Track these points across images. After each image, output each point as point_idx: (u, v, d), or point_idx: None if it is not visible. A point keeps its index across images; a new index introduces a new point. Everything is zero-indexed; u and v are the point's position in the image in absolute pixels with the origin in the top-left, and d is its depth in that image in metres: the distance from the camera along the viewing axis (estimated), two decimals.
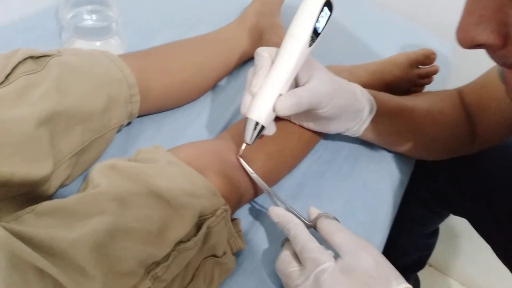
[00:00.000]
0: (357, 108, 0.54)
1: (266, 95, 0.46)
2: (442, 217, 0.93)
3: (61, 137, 0.46)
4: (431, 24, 0.97)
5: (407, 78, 0.70)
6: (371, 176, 0.61)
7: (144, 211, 0.38)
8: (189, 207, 0.39)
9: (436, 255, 1.04)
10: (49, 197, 0.46)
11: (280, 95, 0.47)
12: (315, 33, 0.48)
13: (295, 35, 0.47)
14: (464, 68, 0.87)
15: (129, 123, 0.58)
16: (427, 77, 0.72)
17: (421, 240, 0.97)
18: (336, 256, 0.43)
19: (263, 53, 0.48)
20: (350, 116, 0.54)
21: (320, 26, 0.48)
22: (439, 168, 0.78)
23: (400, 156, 0.66)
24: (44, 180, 0.44)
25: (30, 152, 0.42)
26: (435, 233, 0.99)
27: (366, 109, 0.55)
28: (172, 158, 0.43)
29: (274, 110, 0.46)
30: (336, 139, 0.64)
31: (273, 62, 0.48)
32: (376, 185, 0.61)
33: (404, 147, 0.63)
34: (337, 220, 0.47)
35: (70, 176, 0.49)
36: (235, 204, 0.47)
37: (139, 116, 0.57)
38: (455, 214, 0.86)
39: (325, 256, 0.42)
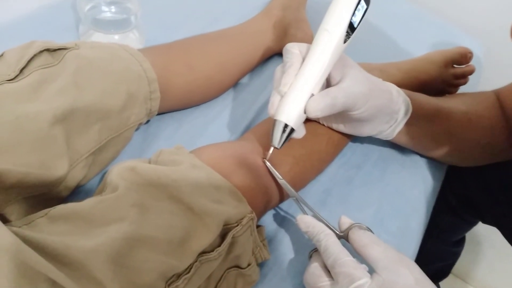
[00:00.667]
0: (392, 110, 0.50)
1: (296, 95, 0.43)
2: (471, 224, 0.89)
3: (78, 136, 0.43)
4: (461, 21, 0.92)
5: (441, 78, 0.66)
6: (402, 182, 0.58)
7: (166, 218, 0.35)
8: (214, 215, 0.36)
9: (457, 261, 1.00)
10: (64, 199, 0.43)
11: (312, 95, 0.43)
12: (351, 28, 0.44)
13: (330, 29, 0.43)
14: (496, 68, 0.83)
15: (148, 121, 0.55)
16: (463, 78, 0.68)
17: (447, 248, 0.93)
18: (371, 271, 0.39)
19: (293, 49, 0.45)
20: (385, 118, 0.50)
21: (356, 20, 0.44)
22: (470, 173, 0.74)
23: (433, 161, 0.62)
24: (59, 181, 0.41)
25: (44, 151, 0.39)
26: (461, 242, 0.95)
27: (402, 110, 0.51)
28: (196, 161, 0.40)
29: (305, 112, 0.43)
30: (365, 142, 0.61)
31: (304, 59, 0.44)
32: (408, 192, 0.57)
33: (439, 152, 0.59)
34: (371, 231, 0.43)
35: (86, 176, 0.46)
36: (261, 211, 0.44)
37: (158, 114, 0.54)
38: (485, 222, 0.82)
39: (360, 271, 0.38)
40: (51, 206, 0.39)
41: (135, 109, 0.48)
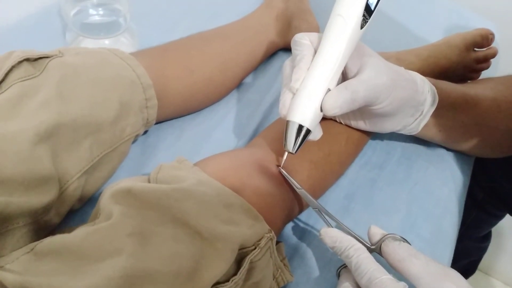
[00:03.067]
0: (418, 101, 0.44)
1: (311, 92, 0.37)
2: (498, 218, 0.84)
3: (66, 154, 0.38)
4: (472, 3, 0.87)
5: (463, 63, 0.60)
6: (431, 181, 0.52)
7: (170, 247, 0.30)
8: (227, 239, 0.31)
9: None
10: (56, 226, 0.38)
11: (329, 90, 0.38)
12: (367, 11, 0.38)
13: (344, 14, 0.38)
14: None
15: (145, 132, 0.50)
16: (485, 61, 0.62)
17: (474, 244, 0.88)
18: None
19: (303, 40, 0.39)
20: (410, 111, 0.45)
21: (373, 2, 0.39)
22: (497, 165, 0.69)
23: (460, 154, 0.56)
24: (48, 208, 0.36)
25: (28, 175, 0.34)
26: (488, 236, 0.90)
27: (428, 101, 0.46)
28: (201, 175, 0.35)
29: (321, 110, 0.37)
30: (385, 138, 0.55)
31: (316, 50, 0.39)
32: (438, 191, 0.52)
33: (468, 144, 0.53)
34: (407, 241, 0.38)
35: (81, 198, 0.41)
36: (280, 228, 0.39)
37: (156, 123, 0.49)
38: None
39: None
40: (40, 237, 0.34)
41: (130, 120, 0.43)
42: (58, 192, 0.37)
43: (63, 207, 0.39)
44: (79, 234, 0.30)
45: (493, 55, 0.63)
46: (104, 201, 0.33)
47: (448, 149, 0.56)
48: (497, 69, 0.73)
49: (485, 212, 0.79)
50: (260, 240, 0.33)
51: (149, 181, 0.36)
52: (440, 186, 0.52)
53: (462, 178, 0.55)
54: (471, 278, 1.19)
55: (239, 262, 0.32)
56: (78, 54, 0.43)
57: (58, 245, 0.30)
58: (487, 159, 0.62)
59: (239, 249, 0.32)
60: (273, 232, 0.34)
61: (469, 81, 0.63)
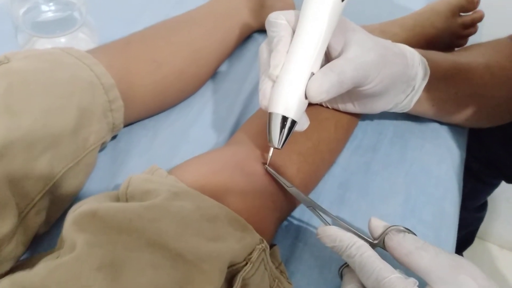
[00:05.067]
0: (409, 76, 0.41)
1: (293, 78, 0.33)
2: (493, 187, 0.82)
3: (22, 174, 0.33)
4: None
5: (450, 30, 0.57)
6: (427, 159, 0.49)
7: (149, 275, 0.25)
8: (213, 258, 0.27)
9: None
10: (18, 259, 0.34)
11: (312, 74, 0.34)
12: None
13: None
14: (498, 16, 0.74)
15: (114, 137, 0.45)
16: (472, 26, 0.59)
17: (471, 215, 0.86)
18: (422, 285, 0.31)
19: (279, 20, 0.35)
20: (401, 88, 0.41)
21: None
22: (491, 134, 0.67)
23: (455, 128, 0.53)
24: (7, 238, 0.31)
25: None
26: (484, 206, 0.88)
27: (419, 75, 0.42)
28: (178, 185, 0.31)
29: (306, 97, 0.33)
30: (375, 118, 0.52)
31: (294, 30, 0.35)
32: (436, 169, 0.48)
33: (463, 116, 0.50)
34: (413, 232, 0.35)
35: (47, 221, 0.36)
36: (272, 233, 0.35)
37: (126, 126, 0.44)
38: (510, 182, 0.75)
39: None
40: (3, 270, 0.30)
41: (93, 127, 0.38)
42: (17, 218, 0.32)
43: (27, 235, 0.34)
44: (41, 272, 0.26)
45: (480, 19, 0.59)
46: (66, 229, 0.28)
47: (441, 123, 0.53)
48: (481, 34, 0.70)
49: (481, 182, 0.77)
50: (251, 253, 0.29)
51: (118, 198, 0.31)
52: (437, 164, 0.49)
53: (459, 152, 0.52)
54: None
55: (230, 280, 0.28)
56: (27, 57, 0.38)
57: (15, 286, 0.25)
58: (480, 129, 0.60)
59: (229, 267, 0.28)
60: (265, 241, 0.31)
61: (456, 49, 0.60)
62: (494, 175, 0.76)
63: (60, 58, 0.39)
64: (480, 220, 0.90)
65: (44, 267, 0.26)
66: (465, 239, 0.92)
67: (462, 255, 1.03)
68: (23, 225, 0.33)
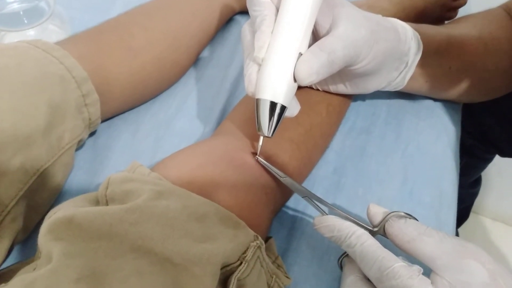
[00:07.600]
0: (401, 52, 0.39)
1: (280, 60, 0.31)
2: (487, 161, 0.82)
3: None
4: None
5: (440, 2, 0.55)
6: (423, 138, 0.47)
7: (134, 284, 0.23)
8: (205, 260, 0.24)
9: None
10: None
11: (300, 54, 0.31)
12: None
13: None
14: None
15: (93, 133, 0.42)
16: None
17: (466, 191, 0.86)
18: (426, 271, 0.29)
19: None
20: (394, 64, 0.39)
21: None
22: (483, 108, 0.66)
23: (449, 103, 0.52)
24: None
25: None
26: (478, 181, 0.88)
27: (412, 50, 0.40)
28: (161, 183, 0.28)
29: (295, 80, 0.31)
30: (367, 97, 0.50)
31: (277, 8, 0.32)
32: (432, 148, 0.47)
33: (457, 91, 0.48)
34: (414, 218, 0.33)
35: (26, 228, 0.34)
36: (267, 227, 0.33)
37: (104, 121, 0.42)
38: (504, 155, 0.75)
39: (418, 280, 0.28)
40: None
41: (67, 124, 0.35)
42: None
43: (3, 244, 0.32)
44: (16, 286, 0.23)
45: None
46: (41, 238, 0.26)
47: (435, 100, 0.51)
48: (470, 6, 0.68)
49: (475, 157, 0.77)
50: (245, 252, 0.27)
51: (97, 201, 0.29)
52: (434, 142, 0.47)
53: (454, 128, 0.50)
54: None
55: (224, 282, 0.26)
56: None
57: None
58: (473, 104, 0.58)
59: (222, 268, 0.26)
60: (259, 238, 0.28)
61: (446, 22, 0.58)
62: (488, 150, 0.75)
63: (27, 52, 0.36)
64: (474, 195, 0.90)
65: (20, 280, 0.24)
66: (460, 215, 0.91)
67: (457, 231, 1.03)
68: None
